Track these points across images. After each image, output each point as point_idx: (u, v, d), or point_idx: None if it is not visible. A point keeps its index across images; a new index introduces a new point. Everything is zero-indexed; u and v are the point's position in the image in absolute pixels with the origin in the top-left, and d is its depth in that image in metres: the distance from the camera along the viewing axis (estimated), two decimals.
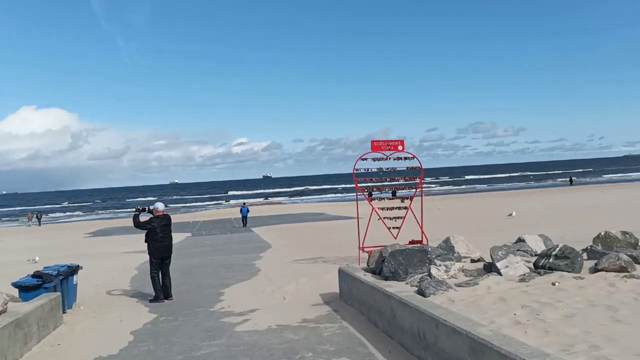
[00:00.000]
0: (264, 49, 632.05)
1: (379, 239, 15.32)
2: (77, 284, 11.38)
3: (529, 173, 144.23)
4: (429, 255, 8.21)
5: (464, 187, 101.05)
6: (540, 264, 7.41)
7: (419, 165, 14.39)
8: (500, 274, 7.33)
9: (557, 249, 7.38)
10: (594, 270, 7.23)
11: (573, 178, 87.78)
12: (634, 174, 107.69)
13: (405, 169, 14.33)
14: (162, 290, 11.34)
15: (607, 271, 7.06)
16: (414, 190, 14.79)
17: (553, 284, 6.67)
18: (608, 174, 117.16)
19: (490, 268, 7.71)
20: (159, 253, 11.35)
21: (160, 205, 11.64)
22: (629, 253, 7.47)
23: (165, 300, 11.27)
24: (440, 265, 7.70)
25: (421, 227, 14.44)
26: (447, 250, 9.40)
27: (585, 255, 7.98)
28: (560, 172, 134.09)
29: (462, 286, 7.00)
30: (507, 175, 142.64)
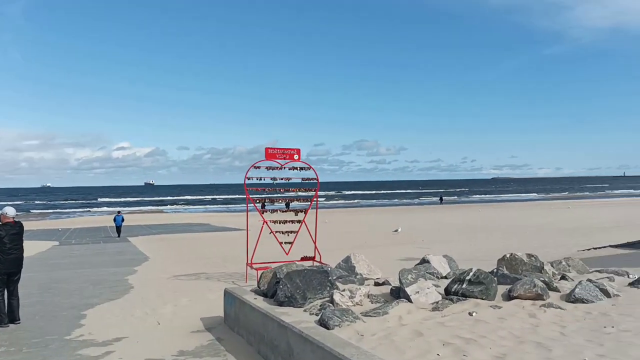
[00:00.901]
0: (149, 51, 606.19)
1: (269, 255, 14.23)
2: None
3: (410, 191, 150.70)
4: (330, 278, 7.23)
5: (349, 202, 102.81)
6: (453, 290, 6.70)
7: (315, 176, 13.53)
8: (410, 300, 6.51)
9: (471, 274, 6.72)
10: (508, 297, 6.64)
11: (443, 197, 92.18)
12: (501, 195, 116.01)
13: (300, 180, 13.42)
14: (6, 313, 9.38)
15: (522, 299, 6.49)
16: (309, 202, 13.89)
17: (470, 314, 5.94)
18: (478, 194, 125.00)
19: (398, 293, 6.88)
20: (5, 267, 9.37)
21: (10, 211, 9.66)
22: (542, 279, 6.99)
23: (11, 325, 9.31)
24: (344, 290, 6.74)
25: (315, 243, 13.55)
26: (348, 270, 8.50)
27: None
28: (442, 190, 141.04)
29: (369, 315, 6.08)
30: (389, 191, 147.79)
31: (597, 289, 6.55)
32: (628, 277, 8.25)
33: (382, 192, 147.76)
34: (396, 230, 31.94)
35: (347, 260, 8.81)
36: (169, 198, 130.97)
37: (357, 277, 7.86)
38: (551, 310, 6.05)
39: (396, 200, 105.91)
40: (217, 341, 7.86)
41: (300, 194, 14.26)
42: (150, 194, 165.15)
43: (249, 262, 13.06)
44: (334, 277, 7.62)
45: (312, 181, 13.56)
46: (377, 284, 7.74)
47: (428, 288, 6.68)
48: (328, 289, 7.03)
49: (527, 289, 6.51)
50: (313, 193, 13.87)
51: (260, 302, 7.47)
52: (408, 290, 6.60)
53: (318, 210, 14.19)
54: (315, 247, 13.56)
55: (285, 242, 13.28)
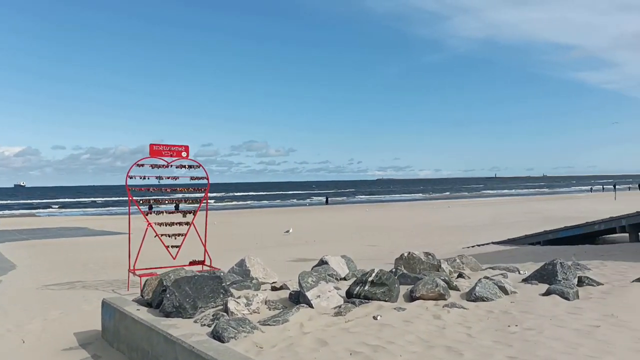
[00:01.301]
0: (18, 36, 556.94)
1: (154, 260, 13.26)
2: None
3: (300, 192, 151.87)
4: (223, 284, 6.61)
5: (238, 203, 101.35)
6: (355, 292, 6.37)
7: (205, 175, 12.74)
8: (311, 305, 6.08)
9: (374, 275, 6.42)
10: (410, 297, 6.44)
11: (328, 198, 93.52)
12: (386, 195, 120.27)
13: (189, 179, 12.56)
14: None
15: (425, 299, 6.31)
16: (198, 203, 13.07)
17: (375, 317, 5.63)
18: (365, 195, 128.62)
19: (298, 298, 6.43)
20: None
21: None
22: (442, 278, 6.88)
23: None
24: (239, 297, 6.16)
25: (204, 246, 12.76)
26: (243, 275, 7.92)
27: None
28: (332, 191, 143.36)
29: (268, 324, 5.56)
30: (279, 192, 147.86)
31: (496, 287, 6.53)
32: (519, 273, 8.44)
33: (272, 193, 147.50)
34: (287, 231, 31.64)
35: (241, 263, 8.22)
36: (42, 201, 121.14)
37: (253, 282, 7.30)
38: (455, 310, 5.91)
39: (286, 201, 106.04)
40: (92, 359, 6.95)
41: (188, 195, 13.39)
42: (21, 196, 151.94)
43: (131, 268, 12.00)
44: (228, 283, 7.02)
45: (201, 180, 12.77)
46: (274, 289, 7.23)
47: (329, 291, 6.30)
48: (221, 296, 6.42)
49: (430, 289, 6.34)
50: (203, 193, 13.08)
51: (144, 314, 6.68)
52: (309, 294, 6.17)
53: (208, 211, 13.39)
54: (205, 251, 12.78)
55: (172, 246, 12.38)
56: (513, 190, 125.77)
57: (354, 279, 8.15)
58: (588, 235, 16.22)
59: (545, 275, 7.15)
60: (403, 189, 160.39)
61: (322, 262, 8.38)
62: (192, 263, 12.63)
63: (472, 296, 6.34)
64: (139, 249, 11.99)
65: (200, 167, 12.65)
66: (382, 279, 6.36)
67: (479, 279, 6.68)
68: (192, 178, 12.66)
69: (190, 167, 12.53)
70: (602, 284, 7.06)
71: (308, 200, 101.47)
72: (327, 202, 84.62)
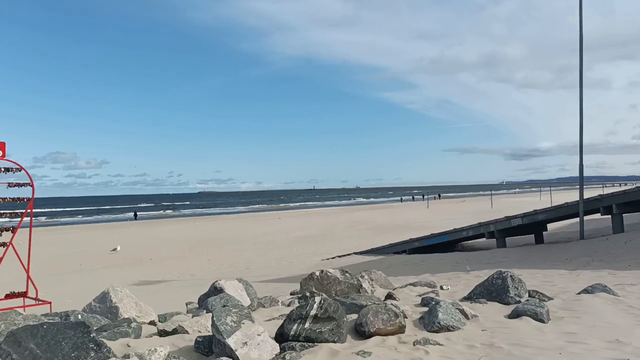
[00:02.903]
0: None
1: None
2: None
3: (120, 206, 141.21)
4: (93, 334, 4.39)
5: (43, 220, 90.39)
6: (293, 333, 4.61)
7: (28, 181, 9.82)
8: (236, 359, 4.21)
9: (316, 306, 4.72)
10: (359, 333, 4.87)
11: (137, 212, 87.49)
12: (211, 208, 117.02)
13: (6, 185, 9.57)
14: None
15: (382, 334, 4.79)
16: (19, 218, 10.06)
17: None
18: (189, 208, 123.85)
19: (209, 347, 4.49)
20: None
21: None
22: (392, 303, 5.43)
23: None
24: (127, 356, 4.04)
25: (27, 272, 9.82)
26: (108, 314, 5.65)
27: None
28: (155, 204, 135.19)
29: None
30: (91, 208, 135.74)
31: (458, 312, 5.27)
32: (442, 288, 7.38)
33: (84, 208, 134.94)
34: (114, 249, 28.04)
35: (104, 298, 5.90)
36: None
37: (132, 325, 5.09)
38: (431, 348, 4.48)
39: (100, 216, 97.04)
40: None
41: (4, 207, 10.28)
42: None
43: None
44: (95, 329, 4.77)
45: (25, 187, 9.81)
46: (164, 334, 5.11)
47: (259, 335, 4.45)
48: (93, 354, 4.21)
49: (386, 321, 4.85)
50: (25, 204, 10.07)
51: None
52: (231, 342, 4.27)
53: (32, 228, 10.43)
54: (29, 278, 9.83)
55: None
56: (334, 201, 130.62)
57: (262, 308, 6.39)
58: (452, 242, 16.22)
59: (494, 292, 6.10)
60: (228, 202, 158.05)
61: (217, 290, 6.42)
62: (10, 296, 9.65)
63: (434, 325, 4.99)
64: None
65: (22, 171, 9.73)
66: (328, 311, 4.70)
67: (437, 303, 5.34)
68: (9, 185, 9.68)
69: (7, 170, 9.56)
70: (552, 299, 6.22)
71: (128, 215, 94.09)
72: (135, 217, 76.69)
